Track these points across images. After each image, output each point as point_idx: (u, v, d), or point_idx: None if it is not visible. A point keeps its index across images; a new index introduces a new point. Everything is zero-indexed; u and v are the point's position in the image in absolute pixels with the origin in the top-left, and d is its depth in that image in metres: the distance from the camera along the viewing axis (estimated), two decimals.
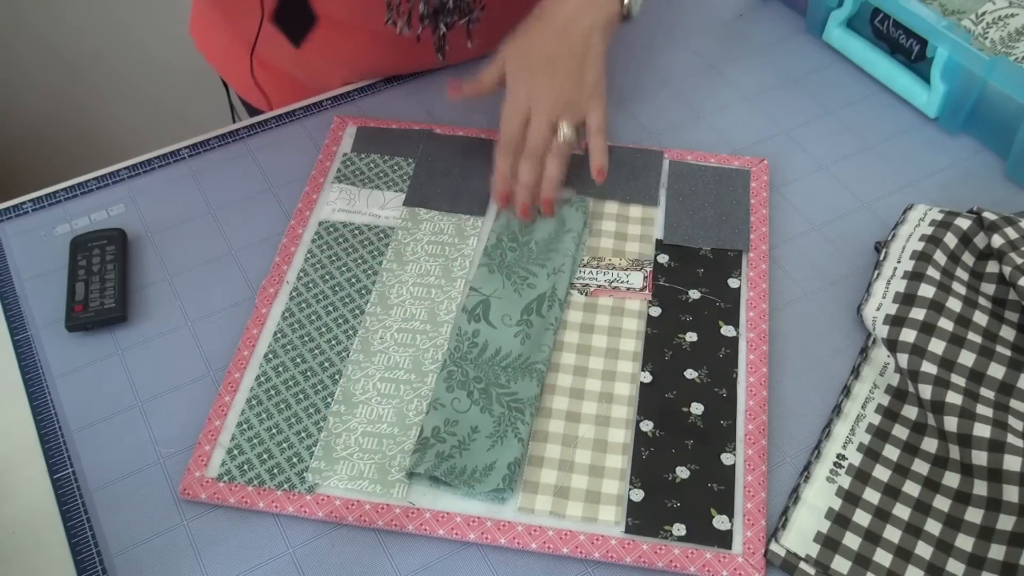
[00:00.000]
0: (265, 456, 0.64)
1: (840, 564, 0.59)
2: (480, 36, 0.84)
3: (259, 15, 0.86)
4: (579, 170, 0.81)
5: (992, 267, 0.70)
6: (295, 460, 0.64)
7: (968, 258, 0.71)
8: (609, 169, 0.81)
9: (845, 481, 0.62)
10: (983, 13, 0.85)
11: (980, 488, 0.60)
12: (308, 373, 0.69)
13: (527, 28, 0.76)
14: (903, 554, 0.59)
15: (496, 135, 0.84)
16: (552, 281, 0.72)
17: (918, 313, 0.66)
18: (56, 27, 1.63)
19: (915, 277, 0.69)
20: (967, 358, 0.65)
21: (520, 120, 0.74)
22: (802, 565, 0.59)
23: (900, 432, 0.65)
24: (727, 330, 0.70)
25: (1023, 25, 0.84)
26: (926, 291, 0.68)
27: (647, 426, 0.65)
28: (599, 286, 0.73)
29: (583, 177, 0.80)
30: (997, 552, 0.58)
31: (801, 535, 0.60)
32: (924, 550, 0.59)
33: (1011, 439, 0.59)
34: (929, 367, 0.64)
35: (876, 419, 0.65)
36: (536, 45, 0.75)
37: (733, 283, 0.73)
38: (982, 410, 0.61)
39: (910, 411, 0.65)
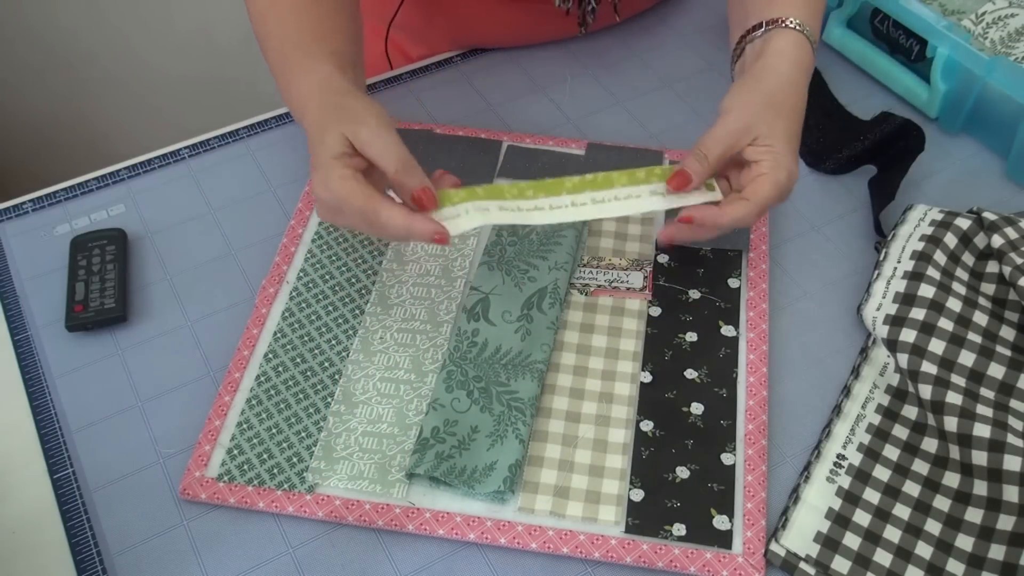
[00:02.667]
0: (265, 456, 0.64)
1: (840, 564, 0.59)
2: (624, 7, 0.88)
3: None
4: (579, 168, 0.81)
5: (992, 267, 0.70)
6: (295, 460, 0.64)
7: (968, 258, 0.71)
8: (609, 169, 0.80)
9: (845, 481, 0.62)
10: (983, 13, 0.85)
11: (980, 488, 0.60)
12: (308, 373, 0.69)
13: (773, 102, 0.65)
14: (903, 554, 0.59)
15: (494, 135, 0.84)
16: (553, 276, 0.72)
17: (918, 313, 0.66)
18: (56, 28, 1.63)
19: (915, 277, 0.69)
20: (967, 358, 0.65)
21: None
22: (802, 565, 0.59)
23: (900, 432, 0.65)
24: (727, 330, 0.70)
25: (1023, 25, 0.84)
26: (926, 291, 0.68)
27: (647, 426, 0.65)
28: (599, 286, 0.73)
29: None
30: (997, 552, 0.58)
31: (801, 535, 0.60)
32: (924, 550, 0.59)
33: (1011, 439, 0.59)
34: (929, 367, 0.64)
35: (876, 419, 0.65)
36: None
37: (733, 283, 0.73)
38: (982, 410, 0.61)
39: (910, 411, 0.65)
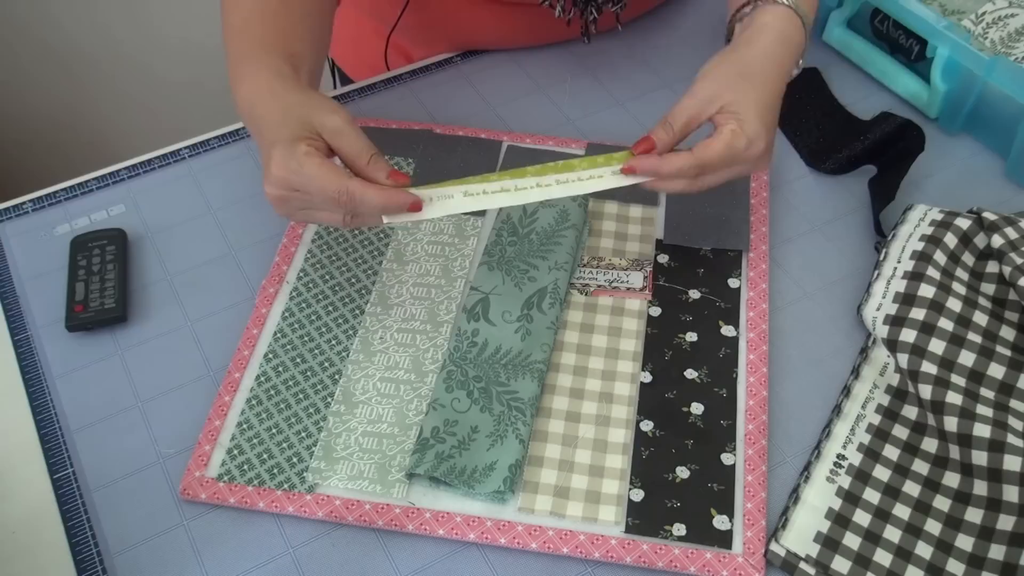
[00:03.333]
0: (265, 456, 0.64)
1: (840, 564, 0.59)
2: (626, 14, 0.88)
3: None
4: None
5: (992, 267, 0.70)
6: (295, 460, 0.64)
7: (968, 258, 0.71)
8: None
9: (845, 481, 0.62)
10: (983, 13, 0.85)
11: (980, 488, 0.60)
12: (308, 373, 0.69)
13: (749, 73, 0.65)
14: (903, 554, 0.59)
15: (494, 135, 0.84)
16: (553, 276, 0.72)
17: (918, 313, 0.66)
18: (57, 28, 1.63)
19: (915, 277, 0.69)
20: (967, 358, 0.65)
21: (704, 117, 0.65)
22: (802, 565, 0.59)
23: (900, 432, 0.65)
24: (727, 330, 0.70)
25: (1023, 25, 0.84)
26: (926, 291, 0.68)
27: (647, 426, 0.65)
28: (599, 286, 0.73)
29: None
30: (997, 552, 0.58)
31: (801, 535, 0.60)
32: (924, 550, 0.59)
33: (1011, 439, 0.59)
34: (929, 367, 0.64)
35: (876, 419, 0.65)
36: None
37: (733, 283, 0.73)
38: (982, 410, 0.61)
39: (910, 411, 0.65)
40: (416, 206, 0.61)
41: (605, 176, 0.65)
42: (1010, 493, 0.58)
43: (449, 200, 0.63)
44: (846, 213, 0.79)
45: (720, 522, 0.61)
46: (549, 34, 0.93)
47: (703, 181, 0.64)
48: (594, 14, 0.85)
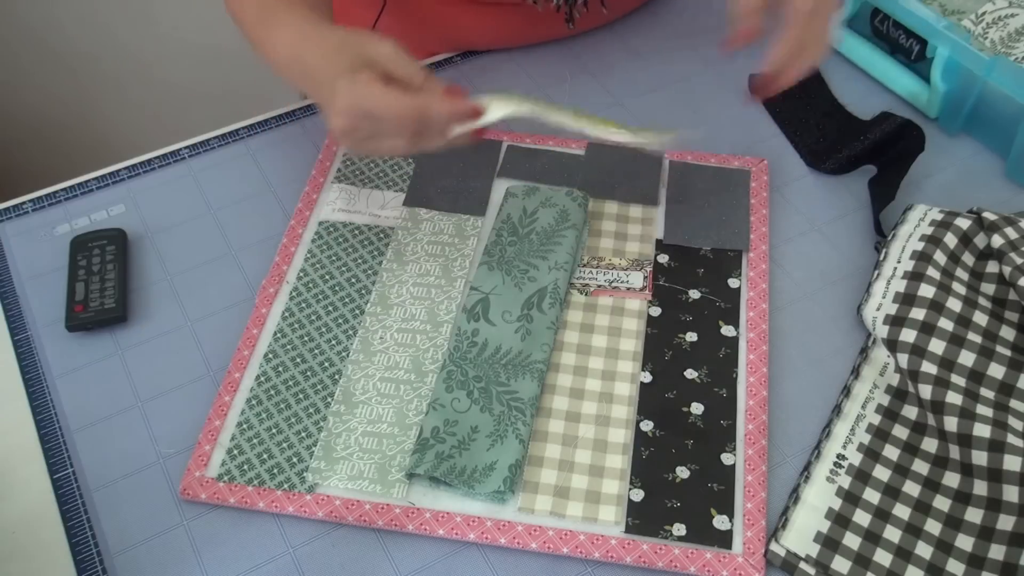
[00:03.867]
0: (265, 456, 0.64)
1: (840, 564, 0.59)
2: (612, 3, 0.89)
3: None
4: (579, 168, 0.81)
5: (992, 267, 0.70)
6: (295, 460, 0.64)
7: (968, 258, 0.71)
8: (609, 169, 0.81)
9: (845, 481, 0.62)
10: (983, 13, 0.85)
11: (980, 488, 0.60)
12: (308, 373, 0.69)
13: None
14: (903, 554, 0.59)
15: (494, 135, 0.84)
16: (553, 276, 0.72)
17: (918, 313, 0.66)
18: (57, 28, 1.63)
19: (915, 277, 0.69)
20: (967, 358, 0.65)
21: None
22: (802, 565, 0.59)
23: (900, 432, 0.65)
24: (727, 330, 0.70)
25: (1023, 25, 0.84)
26: (926, 291, 0.68)
27: (647, 426, 0.65)
28: (599, 286, 0.73)
29: (583, 176, 0.80)
30: (997, 552, 0.58)
31: (801, 535, 0.60)
32: (924, 550, 0.59)
33: (1011, 439, 0.59)
34: (929, 367, 0.64)
35: (876, 419, 0.65)
36: None
37: (733, 283, 0.73)
38: (982, 410, 0.61)
39: (910, 411, 0.65)
40: (478, 111, 0.64)
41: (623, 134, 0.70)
42: (1010, 493, 0.58)
43: (507, 103, 0.66)
44: (846, 213, 0.79)
45: (720, 522, 0.61)
46: (535, 31, 0.92)
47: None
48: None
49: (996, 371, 0.65)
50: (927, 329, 0.65)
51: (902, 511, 0.61)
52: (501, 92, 0.67)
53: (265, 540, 0.62)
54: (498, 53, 0.94)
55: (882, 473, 0.63)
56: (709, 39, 0.94)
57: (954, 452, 0.62)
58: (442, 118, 0.62)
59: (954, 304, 0.67)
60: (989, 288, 0.70)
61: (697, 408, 0.66)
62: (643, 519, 0.61)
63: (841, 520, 0.60)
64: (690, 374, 0.68)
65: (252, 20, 0.70)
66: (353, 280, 0.75)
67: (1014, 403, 0.63)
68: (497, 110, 0.66)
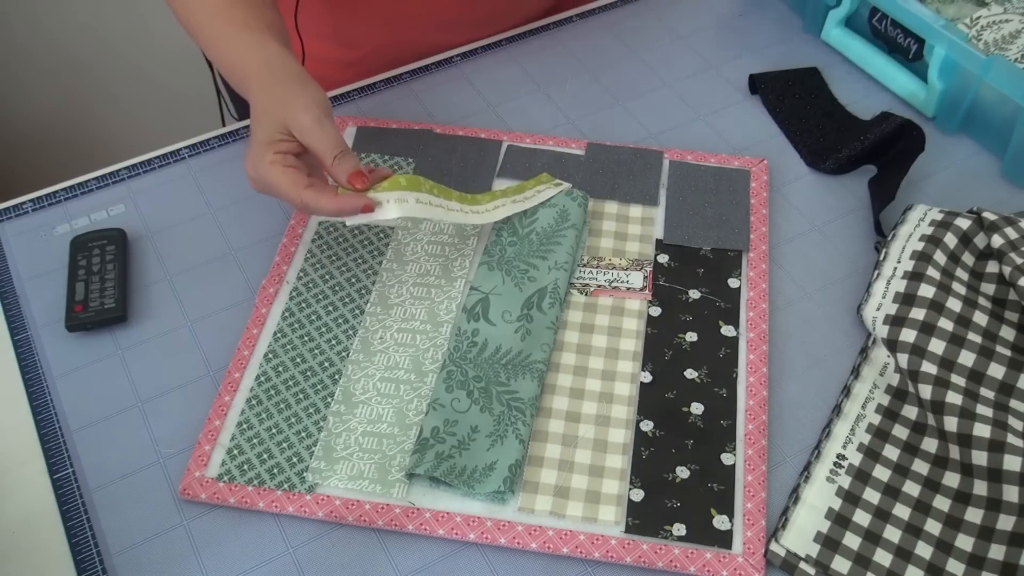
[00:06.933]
0: (265, 456, 0.64)
1: (840, 564, 0.59)
2: None
3: None
4: (579, 168, 0.81)
5: (992, 267, 0.70)
6: (295, 460, 0.64)
7: (968, 258, 0.71)
8: (609, 169, 0.81)
9: (845, 481, 0.62)
10: (977, 18, 0.85)
11: (980, 488, 0.60)
12: (308, 373, 0.69)
13: None
14: (903, 554, 0.59)
15: (494, 135, 0.84)
16: (553, 276, 0.72)
17: (918, 313, 0.66)
18: (57, 28, 1.63)
19: (915, 277, 0.69)
20: (967, 358, 0.65)
21: None
22: (802, 565, 0.59)
23: (900, 432, 0.65)
24: (727, 330, 0.70)
25: (1016, 30, 0.84)
26: (926, 291, 0.68)
27: (647, 426, 0.65)
28: (599, 286, 0.73)
29: (583, 176, 0.80)
30: (997, 552, 0.58)
31: (801, 535, 0.60)
32: (924, 550, 0.59)
33: (1011, 439, 0.59)
34: (929, 367, 0.64)
35: (876, 419, 0.65)
36: None
37: (733, 283, 0.73)
38: (982, 410, 0.61)
39: (910, 411, 0.65)
40: (368, 208, 0.66)
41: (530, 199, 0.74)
42: (1010, 493, 0.58)
43: (404, 204, 0.67)
44: (846, 213, 0.79)
45: (720, 522, 0.61)
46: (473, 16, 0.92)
47: None
48: None
49: (996, 371, 0.65)
50: (927, 329, 0.65)
51: (902, 511, 0.61)
52: (408, 180, 0.68)
53: (265, 540, 0.62)
54: (499, 52, 0.94)
55: (882, 473, 0.63)
56: (709, 39, 0.94)
57: (954, 452, 0.62)
58: (328, 213, 0.66)
59: (954, 304, 0.67)
60: (989, 288, 0.70)
61: (697, 408, 0.66)
62: (643, 519, 0.61)
63: (841, 520, 0.61)
64: (690, 374, 0.68)
65: (206, 33, 0.73)
66: (353, 280, 0.75)
67: (1014, 403, 0.63)
68: (390, 211, 0.67)
